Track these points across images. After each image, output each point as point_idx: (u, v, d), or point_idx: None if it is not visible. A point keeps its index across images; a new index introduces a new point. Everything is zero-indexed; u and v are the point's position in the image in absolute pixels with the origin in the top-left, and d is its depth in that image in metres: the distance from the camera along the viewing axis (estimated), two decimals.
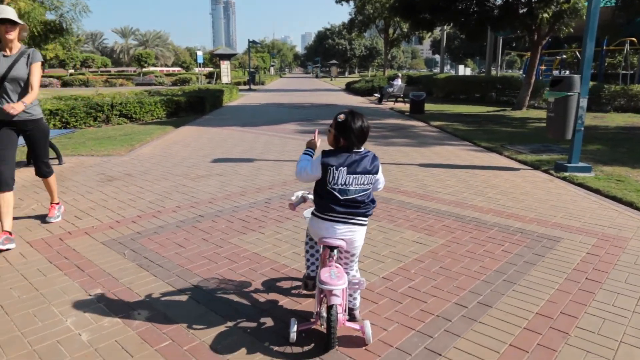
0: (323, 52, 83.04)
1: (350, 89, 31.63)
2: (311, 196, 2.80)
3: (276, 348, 2.56)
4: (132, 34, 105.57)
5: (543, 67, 26.25)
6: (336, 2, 40.85)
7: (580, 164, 7.15)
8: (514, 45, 43.20)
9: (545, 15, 14.45)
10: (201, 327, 2.76)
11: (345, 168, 2.51)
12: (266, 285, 3.34)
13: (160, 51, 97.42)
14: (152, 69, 61.97)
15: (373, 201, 2.65)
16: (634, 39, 20.97)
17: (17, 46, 4.18)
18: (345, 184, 2.52)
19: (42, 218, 4.81)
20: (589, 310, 3.00)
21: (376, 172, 2.59)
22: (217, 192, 5.91)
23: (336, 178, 2.51)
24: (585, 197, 5.82)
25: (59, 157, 7.63)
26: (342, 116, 2.53)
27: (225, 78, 33.31)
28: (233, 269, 3.60)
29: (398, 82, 21.06)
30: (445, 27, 26.54)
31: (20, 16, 21.01)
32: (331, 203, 2.54)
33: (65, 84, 41.58)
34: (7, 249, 3.90)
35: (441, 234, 4.42)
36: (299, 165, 2.67)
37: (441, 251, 4.00)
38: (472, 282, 3.40)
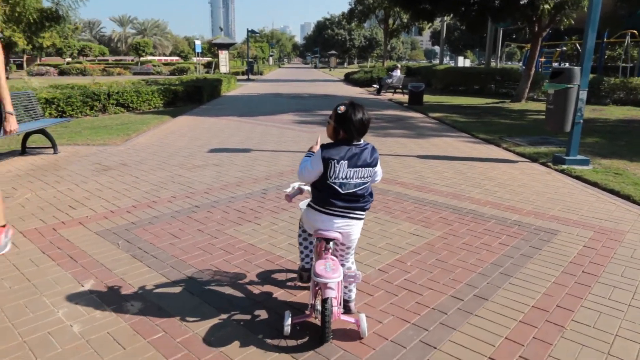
0: (322, 43, 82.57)
1: (349, 79, 31.47)
2: (307, 187, 2.76)
3: (270, 341, 2.53)
4: (130, 23, 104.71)
5: (543, 59, 26.15)
6: None
7: (579, 157, 7.12)
8: (514, 37, 42.99)
9: (547, 6, 14.34)
10: (195, 319, 2.74)
11: (347, 161, 2.46)
12: (261, 276, 3.31)
13: (158, 40, 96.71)
14: (150, 58, 61.51)
15: (371, 194, 2.61)
16: (634, 31, 20.86)
17: None
18: (346, 177, 2.48)
19: (36, 207, 4.76)
20: (585, 304, 2.99)
21: (375, 165, 2.55)
22: (213, 183, 5.87)
23: (337, 172, 2.46)
24: (582, 190, 5.79)
25: (54, 146, 7.57)
26: (342, 108, 2.47)
27: (224, 68, 33.08)
28: (228, 260, 3.58)
29: (397, 73, 20.96)
30: (445, 17, 26.36)
31: (16, 3, 20.79)
32: (331, 197, 2.50)
33: (62, 73, 41.29)
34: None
35: (438, 226, 4.39)
36: (300, 165, 2.61)
37: (438, 243, 3.98)
38: (468, 274, 3.38)
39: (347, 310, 2.75)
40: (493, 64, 28.88)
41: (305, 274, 2.95)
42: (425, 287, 3.18)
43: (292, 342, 2.52)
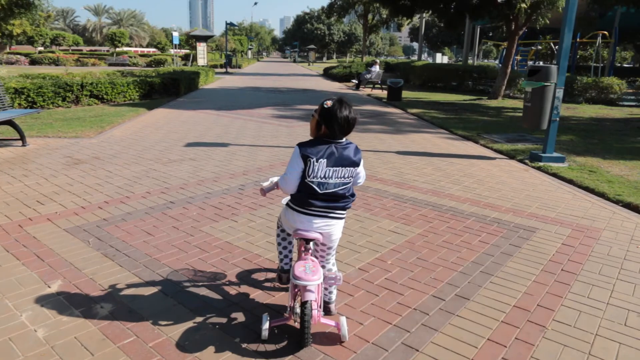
0: (301, 37, 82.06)
1: (328, 74, 31.36)
2: None
3: (247, 345, 2.44)
4: (106, 12, 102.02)
5: (519, 58, 26.51)
6: None
7: (555, 154, 7.21)
8: (490, 35, 43.54)
9: (523, 5, 14.51)
10: (168, 322, 2.62)
11: (325, 160, 2.36)
12: (238, 276, 3.21)
13: (134, 31, 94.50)
14: (126, 49, 60.02)
15: (353, 195, 2.52)
16: (605, 32, 21.32)
17: None
18: (324, 177, 2.38)
19: (1, 202, 4.54)
20: (565, 303, 2.98)
21: (358, 165, 2.46)
22: (189, 178, 5.72)
23: (315, 170, 2.37)
24: (559, 187, 5.85)
25: (22, 138, 7.27)
26: (328, 102, 2.37)
27: (202, 60, 32.59)
28: (204, 259, 3.46)
29: (376, 68, 20.93)
30: (424, 14, 26.45)
31: None
32: (309, 197, 2.40)
33: (33, 62, 39.94)
34: None
35: (418, 224, 4.36)
36: (280, 180, 2.51)
37: (418, 241, 3.94)
38: (449, 273, 3.35)
39: (327, 311, 2.68)
40: (470, 62, 29.17)
41: (284, 276, 2.85)
42: (406, 287, 3.13)
43: (270, 347, 2.43)
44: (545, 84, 6.85)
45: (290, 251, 2.79)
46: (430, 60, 48.58)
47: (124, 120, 10.05)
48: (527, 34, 26.74)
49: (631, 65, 52.55)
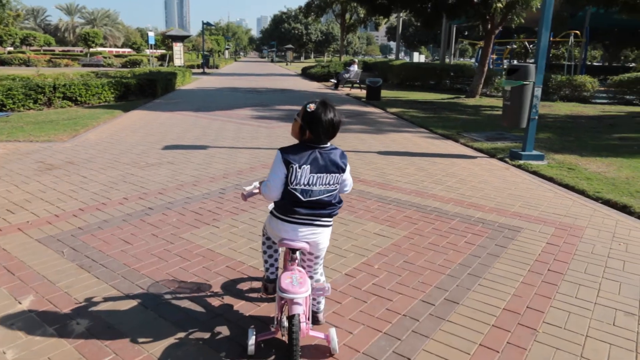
0: (279, 37, 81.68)
1: (306, 74, 31.24)
2: None
3: None
4: (79, 12, 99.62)
5: (494, 56, 26.87)
6: None
7: (534, 152, 7.28)
8: (466, 34, 44.06)
9: (499, 4, 14.69)
10: (149, 337, 2.49)
11: (309, 166, 2.26)
12: (221, 286, 3.09)
13: (109, 31, 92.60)
14: (100, 49, 58.72)
15: (340, 201, 2.42)
16: (577, 32, 21.77)
17: None
18: (308, 183, 2.28)
19: None
20: (554, 304, 2.97)
21: (344, 171, 2.35)
22: (168, 182, 5.56)
23: (298, 177, 2.26)
24: (540, 186, 5.89)
25: None
26: (312, 105, 2.26)
27: (178, 61, 32.07)
28: (185, 268, 3.33)
29: (354, 68, 20.93)
30: (401, 13, 26.60)
31: None
32: (293, 205, 2.30)
33: (2, 63, 38.76)
34: None
35: (403, 226, 4.31)
36: (263, 188, 2.41)
37: (404, 244, 3.89)
38: (437, 276, 3.30)
39: (315, 321, 2.59)
40: (447, 60, 29.44)
41: (270, 286, 2.73)
42: (395, 292, 3.07)
43: None
44: (524, 82, 6.91)
45: (276, 260, 2.69)
46: (407, 59, 48.90)
47: (99, 123, 9.77)
48: (502, 33, 27.12)
49: (601, 64, 53.96)
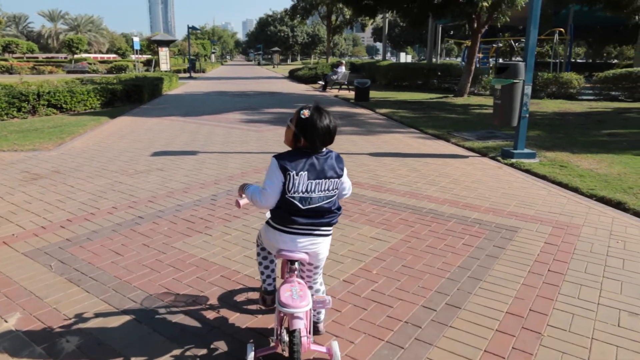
0: (265, 39, 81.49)
1: (293, 76, 31.16)
2: None
3: None
4: (62, 18, 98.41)
5: (480, 55, 27.02)
6: None
7: (526, 150, 7.28)
8: (452, 33, 44.32)
9: (485, 3, 14.75)
10: (143, 355, 2.39)
11: (306, 173, 2.16)
12: (217, 296, 3.00)
13: (93, 37, 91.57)
14: (84, 55, 57.97)
15: (339, 208, 2.33)
16: (562, 29, 21.98)
17: None
18: (307, 191, 2.18)
19: None
20: (557, 306, 2.92)
21: (341, 175, 2.26)
22: (157, 190, 5.44)
23: (296, 185, 2.16)
24: (533, 184, 5.87)
25: None
26: (305, 112, 2.15)
27: (164, 65, 31.81)
28: (178, 279, 3.23)
29: (342, 69, 20.89)
30: (387, 14, 26.64)
31: None
32: (292, 214, 2.20)
33: None
34: None
35: (399, 229, 4.24)
36: (250, 193, 2.30)
37: (401, 247, 3.82)
38: (437, 280, 3.24)
39: (315, 331, 2.50)
40: (434, 60, 29.56)
41: (268, 298, 2.63)
42: (395, 298, 3.00)
43: None
44: (514, 81, 6.90)
45: (272, 270, 2.60)
46: (393, 60, 49.06)
47: (85, 130, 9.60)
48: (487, 32, 27.31)
49: (584, 61, 54.62)
